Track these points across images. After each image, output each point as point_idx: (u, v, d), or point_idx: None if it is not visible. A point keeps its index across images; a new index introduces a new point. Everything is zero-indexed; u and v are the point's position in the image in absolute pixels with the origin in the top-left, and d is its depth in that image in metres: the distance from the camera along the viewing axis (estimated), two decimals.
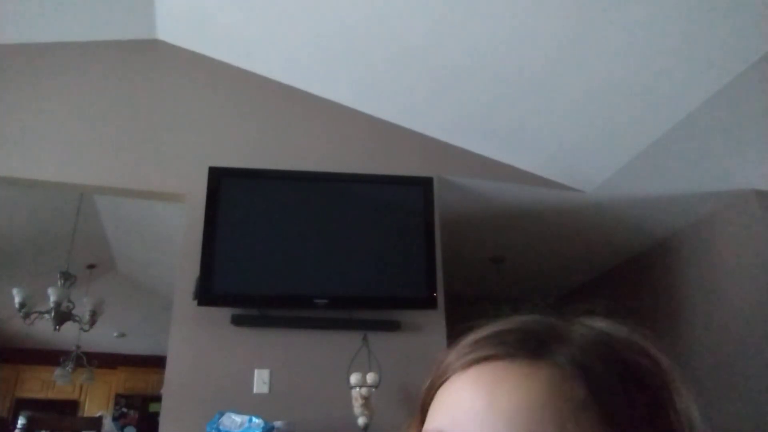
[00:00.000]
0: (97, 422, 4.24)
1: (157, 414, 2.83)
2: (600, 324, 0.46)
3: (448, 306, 2.85)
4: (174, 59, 3.17)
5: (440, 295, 2.80)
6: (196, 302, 2.58)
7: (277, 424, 2.32)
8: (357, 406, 2.39)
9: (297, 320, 2.69)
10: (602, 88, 2.62)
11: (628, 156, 3.04)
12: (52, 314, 4.23)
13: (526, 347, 0.42)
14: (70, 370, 5.93)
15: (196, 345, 2.60)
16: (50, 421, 4.54)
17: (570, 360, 0.40)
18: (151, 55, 3.16)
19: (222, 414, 2.25)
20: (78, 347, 5.94)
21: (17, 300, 4.21)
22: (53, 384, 6.81)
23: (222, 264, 2.61)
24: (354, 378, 2.43)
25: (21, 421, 6.71)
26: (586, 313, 0.48)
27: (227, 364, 2.58)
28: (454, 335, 0.50)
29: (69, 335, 5.44)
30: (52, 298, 4.22)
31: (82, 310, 4.62)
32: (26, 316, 4.24)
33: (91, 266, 5.65)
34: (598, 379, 0.39)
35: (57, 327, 4.30)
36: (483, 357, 0.43)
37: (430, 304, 2.72)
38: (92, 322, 4.67)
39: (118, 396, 7.78)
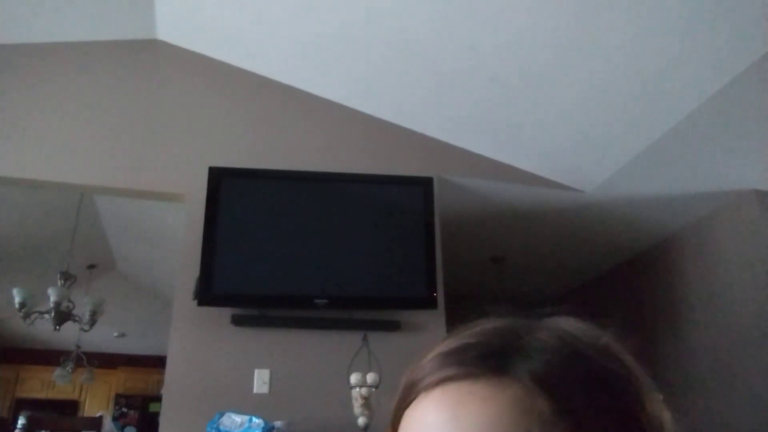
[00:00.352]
0: (97, 422, 4.23)
1: (157, 414, 2.84)
2: (566, 326, 0.45)
3: (448, 306, 2.85)
4: (174, 59, 3.17)
5: (440, 295, 2.80)
6: (196, 302, 2.58)
7: (277, 424, 2.32)
8: (357, 406, 2.38)
9: (297, 320, 2.69)
10: (602, 88, 2.62)
11: (628, 156, 3.04)
12: (52, 314, 4.23)
13: (488, 364, 0.41)
14: (70, 370, 5.93)
15: (196, 345, 2.60)
16: (50, 421, 4.54)
17: (533, 375, 0.39)
18: (151, 55, 3.16)
19: (222, 414, 2.25)
20: (78, 347, 5.94)
21: (17, 300, 4.20)
22: (53, 384, 6.81)
23: (222, 264, 2.61)
24: (354, 378, 2.43)
25: (21, 421, 6.70)
26: (553, 313, 0.47)
27: (227, 364, 2.58)
28: None
29: (69, 335, 5.44)
30: (52, 298, 4.22)
31: (82, 310, 4.62)
32: (26, 316, 4.24)
33: (91, 266, 5.65)
34: (564, 392, 0.38)
35: (57, 327, 4.30)
36: (446, 378, 0.42)
37: (430, 304, 2.72)
38: (92, 322, 4.67)
39: (118, 396, 7.79)
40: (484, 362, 0.41)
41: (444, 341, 0.45)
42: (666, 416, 0.41)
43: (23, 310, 4.21)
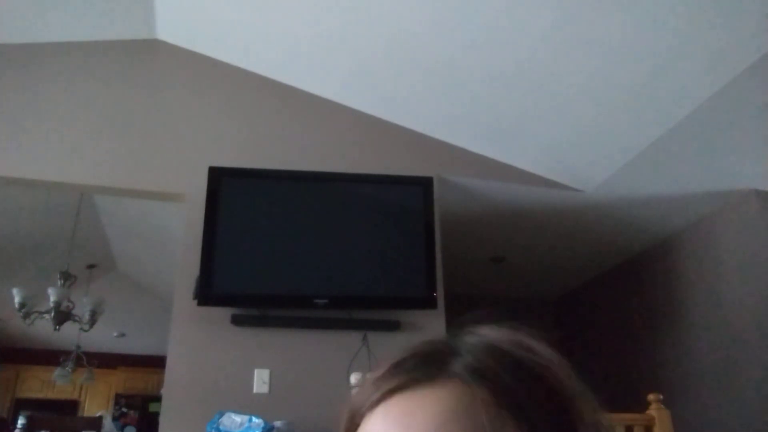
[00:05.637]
0: (97, 422, 4.24)
1: (157, 414, 2.83)
2: (486, 331, 0.47)
3: (448, 306, 2.85)
4: (174, 59, 3.17)
5: (440, 295, 2.80)
6: (196, 302, 2.58)
7: (277, 424, 2.32)
8: None
9: (297, 320, 2.69)
10: (602, 88, 2.62)
11: (628, 156, 3.04)
12: (52, 314, 4.23)
13: (424, 370, 0.43)
14: (70, 370, 5.93)
15: (196, 345, 2.60)
16: (50, 421, 4.54)
17: (467, 369, 0.42)
18: (151, 55, 3.16)
19: (222, 414, 2.25)
20: (78, 347, 5.94)
21: (17, 300, 4.20)
22: (53, 384, 6.81)
23: (222, 264, 2.61)
24: (354, 378, 2.43)
25: (21, 421, 6.70)
26: (473, 323, 0.49)
27: (227, 364, 2.58)
28: None
29: (69, 335, 5.44)
30: (52, 298, 4.22)
31: (82, 310, 4.62)
32: (26, 316, 4.24)
33: (91, 266, 5.65)
34: (499, 381, 0.41)
35: (57, 327, 4.31)
36: (387, 392, 0.43)
37: (430, 304, 2.72)
38: (92, 322, 4.67)
39: (118, 396, 7.78)
40: (420, 368, 0.43)
41: (374, 369, 0.47)
42: (591, 396, 0.44)
43: (23, 310, 4.22)
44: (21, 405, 7.38)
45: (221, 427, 2.20)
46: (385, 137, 3.20)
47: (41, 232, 4.83)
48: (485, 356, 0.43)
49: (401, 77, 2.93)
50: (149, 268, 5.81)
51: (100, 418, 4.89)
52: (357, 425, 0.45)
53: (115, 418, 7.44)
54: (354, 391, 0.47)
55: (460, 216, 3.59)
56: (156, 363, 6.58)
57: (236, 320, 2.61)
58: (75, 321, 4.52)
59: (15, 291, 4.24)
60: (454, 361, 0.43)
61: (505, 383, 0.41)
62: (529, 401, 0.41)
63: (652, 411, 2.66)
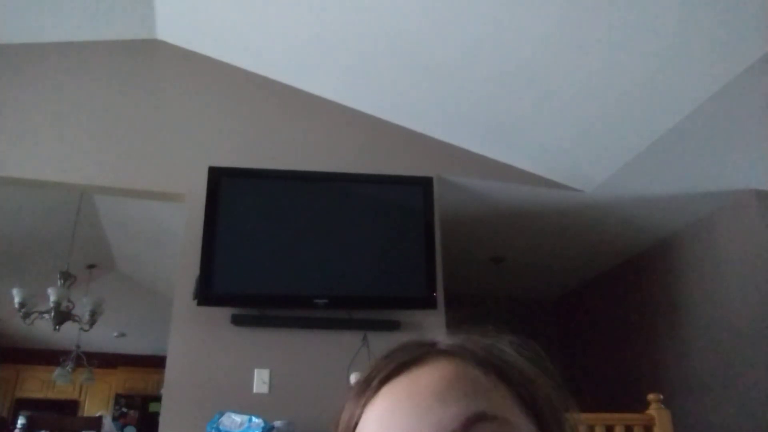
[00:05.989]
0: (97, 422, 4.23)
1: (157, 414, 2.84)
2: (463, 333, 0.51)
3: (448, 306, 2.85)
4: (174, 59, 3.17)
5: (440, 295, 2.80)
6: (196, 302, 2.58)
7: (277, 423, 2.32)
8: None
9: (297, 320, 2.69)
10: (602, 88, 2.62)
11: (628, 156, 3.04)
12: (52, 314, 4.23)
13: (419, 352, 0.47)
14: (70, 370, 5.93)
15: (196, 345, 2.60)
16: (50, 421, 4.54)
17: (453, 348, 0.47)
18: (151, 55, 3.16)
19: (222, 414, 2.25)
20: (78, 347, 5.94)
21: (17, 300, 4.20)
22: (53, 384, 6.81)
23: (222, 264, 2.61)
24: (354, 378, 2.43)
25: (21, 421, 6.69)
26: (472, 323, 0.53)
27: (227, 364, 2.58)
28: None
29: (69, 335, 5.44)
30: (52, 298, 4.22)
31: (82, 310, 4.61)
32: (26, 316, 4.24)
33: (91, 266, 5.64)
34: (480, 355, 0.46)
35: (57, 327, 4.30)
36: (385, 376, 0.46)
37: (430, 304, 2.72)
38: (92, 322, 4.67)
39: (118, 396, 7.78)
40: (415, 352, 0.47)
41: (362, 374, 0.49)
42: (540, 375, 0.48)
43: (23, 310, 4.21)
44: (21, 405, 7.38)
45: (221, 427, 2.20)
46: (385, 137, 3.20)
47: (41, 232, 4.83)
48: (463, 341, 0.49)
49: (401, 77, 2.93)
50: (149, 268, 5.81)
51: (100, 418, 4.89)
52: (360, 415, 0.46)
53: (115, 418, 7.43)
54: (349, 394, 0.48)
55: (460, 216, 3.59)
56: (156, 363, 6.59)
57: (236, 320, 2.61)
58: (75, 321, 4.52)
59: (15, 291, 4.24)
60: (449, 348, 0.48)
61: (486, 357, 0.46)
62: (509, 370, 0.46)
63: (652, 411, 2.66)
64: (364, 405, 0.46)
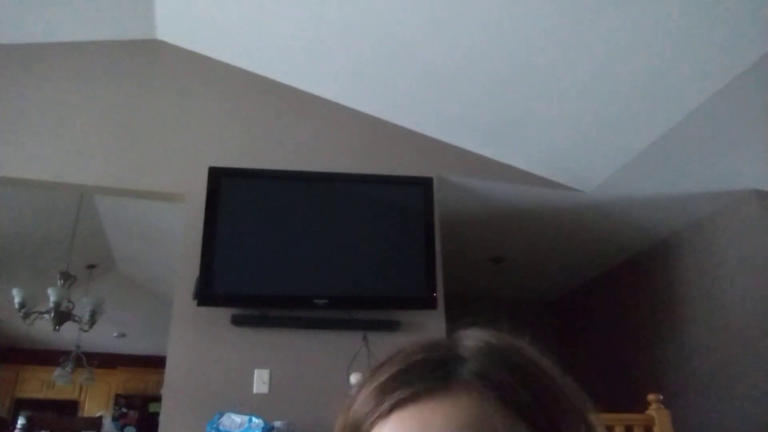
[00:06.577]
0: (97, 422, 4.24)
1: (157, 414, 2.83)
2: (480, 335, 0.49)
3: (448, 306, 2.85)
4: (174, 59, 3.17)
5: (440, 295, 2.80)
6: (195, 302, 2.58)
7: (277, 424, 2.32)
8: None
9: (297, 320, 2.69)
10: (602, 88, 2.62)
11: (628, 156, 3.04)
12: (52, 314, 4.22)
13: (433, 377, 0.44)
14: (70, 370, 5.92)
15: (196, 345, 2.60)
16: (50, 421, 4.54)
17: (475, 375, 0.44)
18: (151, 55, 3.16)
19: (222, 414, 2.25)
20: (78, 347, 5.93)
21: (17, 300, 4.20)
22: (53, 384, 6.80)
23: (222, 264, 2.61)
24: (354, 378, 2.43)
25: (21, 421, 6.70)
26: (467, 325, 0.51)
27: (227, 364, 2.58)
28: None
29: (69, 335, 5.43)
30: (52, 298, 4.22)
31: (82, 310, 4.61)
32: (26, 316, 4.24)
33: (91, 266, 5.64)
34: (503, 384, 0.43)
35: (57, 327, 4.30)
36: (399, 401, 0.44)
37: (429, 304, 2.72)
38: (92, 322, 4.67)
39: (118, 396, 7.78)
40: (429, 376, 0.45)
41: (373, 374, 0.48)
42: (571, 385, 0.47)
43: (23, 310, 4.21)
44: (21, 405, 7.38)
45: (221, 428, 2.20)
46: (385, 137, 3.20)
47: (41, 232, 4.83)
48: (488, 361, 0.45)
49: (401, 77, 2.93)
50: (149, 268, 5.81)
51: (100, 418, 4.90)
52: None
53: (115, 419, 7.43)
54: (355, 398, 0.47)
55: (460, 216, 3.59)
56: (156, 363, 6.58)
57: (236, 320, 2.61)
58: (75, 321, 4.52)
59: (15, 291, 4.24)
60: (461, 367, 0.45)
61: (509, 386, 0.43)
62: (532, 401, 0.43)
63: (652, 411, 2.66)
64: (373, 423, 0.45)
